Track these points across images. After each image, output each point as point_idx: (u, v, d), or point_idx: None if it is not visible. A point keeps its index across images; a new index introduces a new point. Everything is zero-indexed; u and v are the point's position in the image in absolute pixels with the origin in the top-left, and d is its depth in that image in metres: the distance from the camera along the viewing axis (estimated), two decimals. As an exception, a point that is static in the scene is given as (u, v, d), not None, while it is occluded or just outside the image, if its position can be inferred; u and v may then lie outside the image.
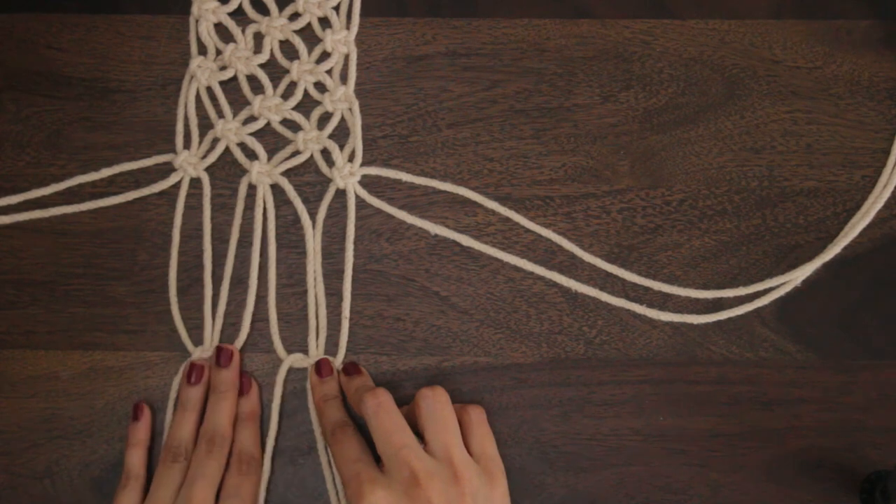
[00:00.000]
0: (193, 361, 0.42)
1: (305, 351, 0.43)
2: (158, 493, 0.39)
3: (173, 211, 0.44)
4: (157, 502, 0.38)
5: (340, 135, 0.45)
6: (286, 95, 0.45)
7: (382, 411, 0.38)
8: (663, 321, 0.43)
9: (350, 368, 0.42)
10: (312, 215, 0.44)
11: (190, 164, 0.44)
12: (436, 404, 0.38)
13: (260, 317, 0.43)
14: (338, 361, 0.43)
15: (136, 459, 0.41)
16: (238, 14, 0.47)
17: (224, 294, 0.43)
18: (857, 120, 0.45)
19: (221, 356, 0.42)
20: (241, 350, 0.43)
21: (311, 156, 0.45)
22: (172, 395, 0.42)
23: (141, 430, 0.41)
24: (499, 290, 0.43)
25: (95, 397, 0.43)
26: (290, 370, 0.43)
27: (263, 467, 0.41)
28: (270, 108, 0.45)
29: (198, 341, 0.43)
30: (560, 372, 0.43)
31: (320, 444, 0.42)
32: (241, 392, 0.42)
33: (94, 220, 0.44)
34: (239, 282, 0.44)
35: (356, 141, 0.45)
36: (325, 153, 0.45)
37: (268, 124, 0.45)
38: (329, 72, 0.46)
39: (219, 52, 0.46)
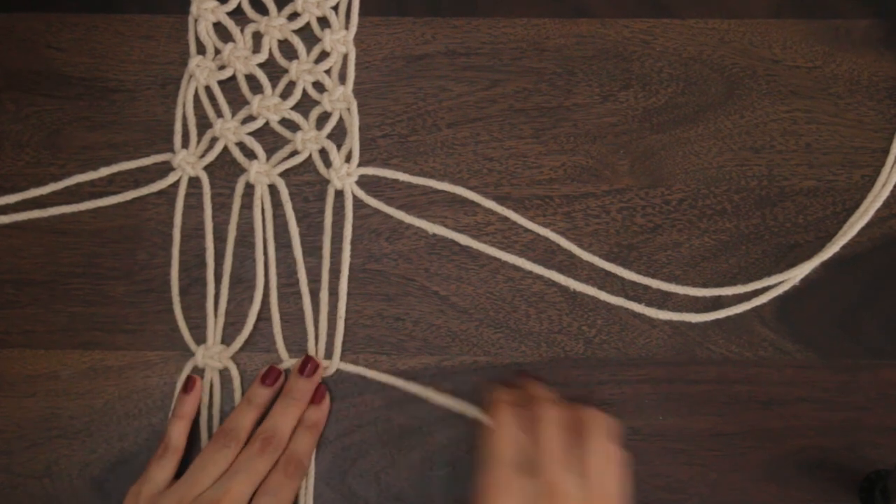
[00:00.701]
0: (273, 366, 0.42)
1: (304, 350, 0.43)
2: (200, 473, 0.38)
3: (172, 210, 0.44)
4: (196, 482, 0.38)
5: (339, 134, 0.45)
6: (285, 95, 0.45)
7: (554, 425, 0.37)
8: (662, 320, 0.43)
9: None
10: (313, 215, 0.44)
11: (188, 163, 0.44)
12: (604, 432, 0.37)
13: (259, 316, 0.43)
14: (334, 364, 0.43)
15: (178, 431, 0.40)
16: (237, 13, 0.47)
17: (224, 293, 0.43)
18: (857, 119, 0.45)
19: (307, 366, 0.42)
20: (242, 349, 0.43)
21: (310, 155, 0.45)
22: (176, 394, 0.42)
23: (189, 403, 0.41)
24: (498, 289, 0.43)
25: (95, 397, 0.43)
26: (289, 370, 0.43)
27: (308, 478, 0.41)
28: (269, 107, 0.45)
29: (198, 340, 0.43)
30: (560, 371, 0.43)
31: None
32: (314, 401, 0.42)
33: (94, 220, 0.44)
34: (237, 281, 0.44)
35: (353, 141, 0.45)
36: (324, 153, 0.45)
37: (266, 124, 0.45)
38: (328, 72, 0.46)
39: (217, 52, 0.46)
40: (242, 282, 0.44)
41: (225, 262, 0.44)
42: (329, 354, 0.43)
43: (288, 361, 0.43)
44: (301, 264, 0.43)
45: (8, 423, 0.42)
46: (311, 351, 0.43)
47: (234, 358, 0.43)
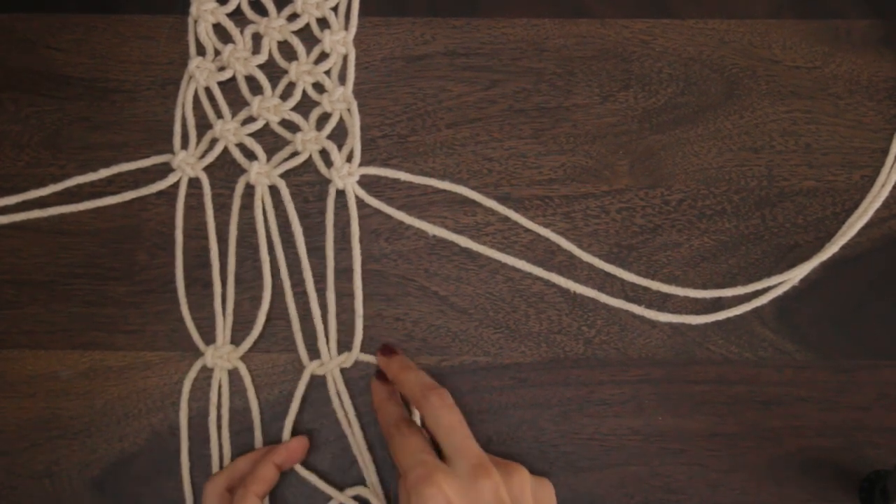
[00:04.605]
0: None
1: (310, 351, 0.43)
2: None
3: (172, 211, 0.44)
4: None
5: (339, 135, 0.45)
6: (285, 96, 0.45)
7: (448, 408, 0.38)
8: (662, 321, 0.43)
9: (387, 349, 0.42)
10: (313, 215, 0.44)
11: (188, 164, 0.44)
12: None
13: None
14: (350, 361, 0.43)
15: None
16: (237, 14, 0.47)
17: (231, 293, 0.43)
18: (857, 120, 0.45)
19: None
20: (250, 350, 0.43)
21: (311, 156, 0.45)
22: (185, 395, 0.42)
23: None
24: (498, 289, 0.43)
25: (95, 397, 0.43)
26: (287, 370, 0.43)
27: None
28: (269, 108, 0.45)
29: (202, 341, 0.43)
30: (559, 372, 0.43)
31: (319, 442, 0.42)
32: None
33: (94, 220, 0.44)
34: (237, 282, 0.44)
35: (354, 141, 0.45)
36: (324, 153, 0.45)
37: (266, 125, 0.45)
38: (328, 72, 0.46)
39: (217, 53, 0.46)
40: (242, 282, 0.44)
41: (228, 263, 0.44)
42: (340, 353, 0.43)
43: (309, 366, 0.42)
44: (306, 264, 0.43)
45: (8, 424, 0.43)
46: (323, 349, 0.43)
47: (242, 358, 0.43)
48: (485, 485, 0.35)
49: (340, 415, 0.42)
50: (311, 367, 0.42)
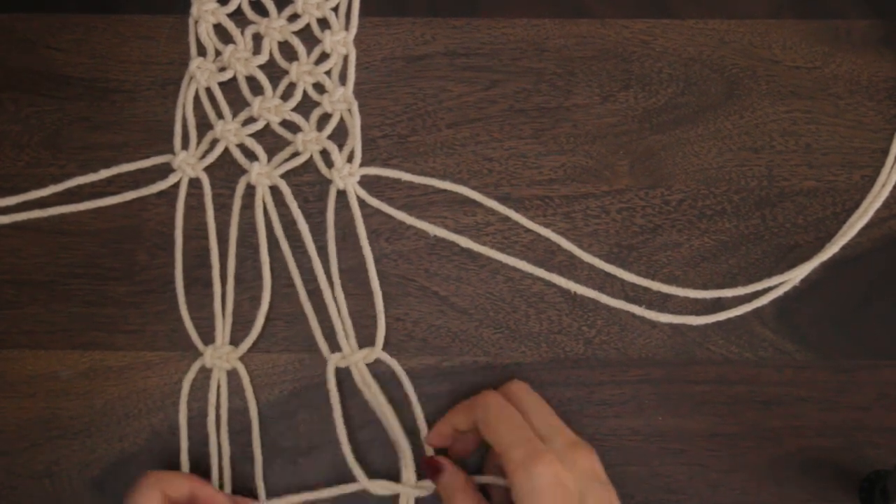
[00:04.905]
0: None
1: (310, 351, 0.43)
2: None
3: (172, 211, 0.44)
4: None
5: (340, 135, 0.45)
6: (285, 96, 0.45)
7: (536, 395, 0.39)
8: (663, 322, 0.43)
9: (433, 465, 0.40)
10: (313, 215, 0.44)
11: (189, 164, 0.44)
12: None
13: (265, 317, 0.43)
14: (372, 356, 0.42)
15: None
16: (237, 15, 0.47)
17: (230, 293, 0.43)
18: (857, 120, 0.45)
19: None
20: (250, 350, 0.43)
21: (311, 156, 0.45)
22: (184, 395, 0.42)
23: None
24: (498, 289, 0.43)
25: (95, 397, 0.43)
26: (290, 370, 0.43)
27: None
28: (270, 109, 0.45)
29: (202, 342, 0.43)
30: (559, 372, 0.43)
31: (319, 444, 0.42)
32: None
33: (94, 220, 0.44)
34: (237, 282, 0.44)
35: (355, 142, 0.45)
36: (325, 154, 0.45)
37: (267, 125, 0.45)
38: (328, 73, 0.46)
39: (218, 54, 0.46)
40: (242, 282, 0.44)
41: (228, 263, 0.44)
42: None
43: (331, 358, 0.42)
44: (317, 262, 0.43)
45: (8, 424, 0.43)
46: (343, 343, 0.42)
47: (241, 359, 0.43)
48: (586, 456, 0.36)
49: (373, 403, 0.42)
50: (334, 360, 0.42)
